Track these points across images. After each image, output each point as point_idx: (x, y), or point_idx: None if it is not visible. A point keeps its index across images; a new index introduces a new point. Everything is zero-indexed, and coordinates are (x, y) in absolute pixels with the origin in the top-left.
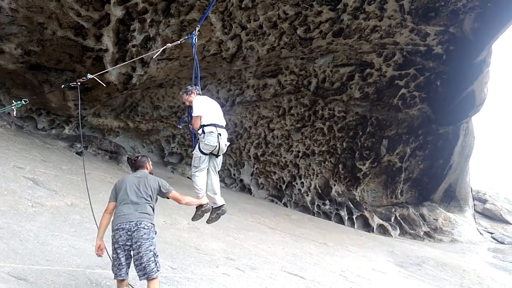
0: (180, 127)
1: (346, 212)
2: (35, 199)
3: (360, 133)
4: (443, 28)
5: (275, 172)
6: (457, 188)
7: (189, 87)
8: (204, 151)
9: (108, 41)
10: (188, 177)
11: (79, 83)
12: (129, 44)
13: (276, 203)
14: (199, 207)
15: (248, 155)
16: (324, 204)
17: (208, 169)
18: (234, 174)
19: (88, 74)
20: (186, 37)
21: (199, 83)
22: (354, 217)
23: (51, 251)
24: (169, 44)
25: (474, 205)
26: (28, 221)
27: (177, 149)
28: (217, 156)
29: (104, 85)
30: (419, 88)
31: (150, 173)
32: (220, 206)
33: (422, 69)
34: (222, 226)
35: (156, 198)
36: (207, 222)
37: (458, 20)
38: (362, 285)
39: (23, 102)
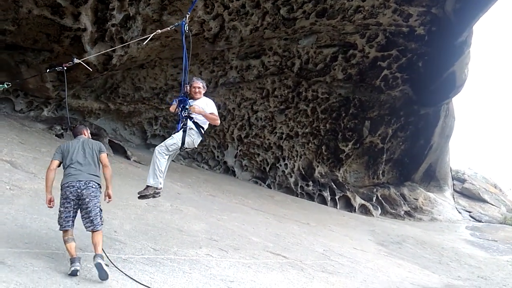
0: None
1: (329, 193)
2: (13, 182)
3: (343, 115)
4: (426, 9)
5: (259, 154)
6: (437, 168)
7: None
8: (185, 145)
9: (86, 20)
10: (173, 161)
11: (65, 68)
12: (108, 23)
13: (260, 184)
14: (151, 188)
15: (231, 137)
16: (307, 185)
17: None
18: (217, 156)
19: (75, 58)
20: (176, 23)
21: (187, 77)
22: (336, 197)
23: (29, 234)
24: (159, 31)
25: (453, 184)
26: (5, 204)
27: (160, 131)
28: (181, 150)
29: (90, 70)
30: (401, 69)
31: None
32: (160, 189)
33: (404, 50)
34: (205, 208)
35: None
36: (139, 193)
37: (440, 0)
38: (343, 264)
39: (5, 86)
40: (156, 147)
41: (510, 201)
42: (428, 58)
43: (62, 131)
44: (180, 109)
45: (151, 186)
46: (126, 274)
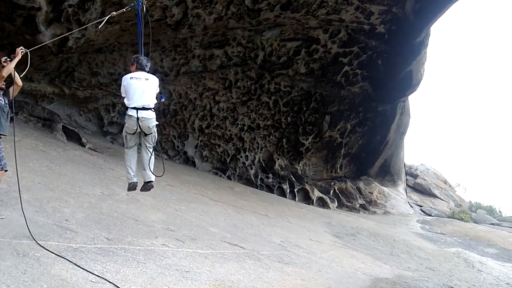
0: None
1: (288, 185)
2: None
3: (304, 109)
4: (387, 8)
5: (219, 145)
6: (392, 164)
7: (134, 56)
8: (127, 130)
9: None
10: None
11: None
12: (65, 3)
13: (220, 176)
14: (128, 184)
15: (192, 127)
16: (267, 177)
17: (141, 146)
18: (177, 146)
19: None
20: (132, 4)
21: (142, 52)
22: (295, 190)
23: None
24: (114, 13)
25: (406, 179)
26: None
27: (118, 119)
28: (146, 134)
29: (28, 66)
30: (362, 66)
31: None
32: (148, 181)
33: (365, 48)
34: (163, 198)
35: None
36: (140, 190)
37: (401, 0)
38: (299, 254)
39: None
40: None
41: (458, 196)
42: (387, 56)
43: (11, 114)
44: None
45: (128, 182)
46: (76, 264)
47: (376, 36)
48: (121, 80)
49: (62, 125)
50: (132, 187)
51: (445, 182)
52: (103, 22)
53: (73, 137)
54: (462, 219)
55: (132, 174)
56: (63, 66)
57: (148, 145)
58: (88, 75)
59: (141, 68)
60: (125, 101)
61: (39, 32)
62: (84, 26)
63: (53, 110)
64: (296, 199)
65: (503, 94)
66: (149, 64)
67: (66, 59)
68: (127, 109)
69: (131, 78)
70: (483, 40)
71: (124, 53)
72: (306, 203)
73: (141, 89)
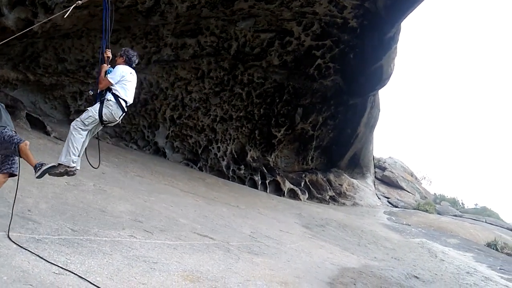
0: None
1: (260, 177)
2: None
3: (277, 101)
4: (359, 3)
5: (191, 136)
6: (361, 156)
7: (124, 49)
8: (103, 117)
9: None
10: (96, 138)
11: None
12: None
13: (192, 167)
14: (62, 166)
15: (163, 117)
16: (239, 169)
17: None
18: (148, 136)
19: None
20: None
21: (108, 40)
22: (267, 181)
23: None
24: (80, 2)
25: (375, 172)
26: None
27: (85, 107)
28: (105, 125)
29: None
30: (334, 59)
31: None
32: (76, 168)
33: (337, 41)
34: (131, 188)
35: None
36: (49, 174)
37: None
38: (269, 245)
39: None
40: (72, 122)
41: (424, 189)
42: (359, 50)
43: None
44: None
45: (62, 164)
46: (38, 256)
47: (348, 30)
48: (120, 68)
49: (26, 113)
50: (71, 171)
51: (412, 175)
52: (68, 12)
53: (37, 125)
54: (427, 211)
55: (77, 157)
56: (28, 51)
57: (95, 133)
58: (54, 61)
59: (129, 63)
60: (119, 89)
61: (2, 15)
62: (51, 17)
63: (16, 97)
64: (268, 191)
65: (464, 89)
66: (137, 61)
67: (30, 44)
68: (113, 96)
69: (130, 73)
70: (451, 36)
71: (93, 39)
72: (278, 195)
73: (134, 86)
